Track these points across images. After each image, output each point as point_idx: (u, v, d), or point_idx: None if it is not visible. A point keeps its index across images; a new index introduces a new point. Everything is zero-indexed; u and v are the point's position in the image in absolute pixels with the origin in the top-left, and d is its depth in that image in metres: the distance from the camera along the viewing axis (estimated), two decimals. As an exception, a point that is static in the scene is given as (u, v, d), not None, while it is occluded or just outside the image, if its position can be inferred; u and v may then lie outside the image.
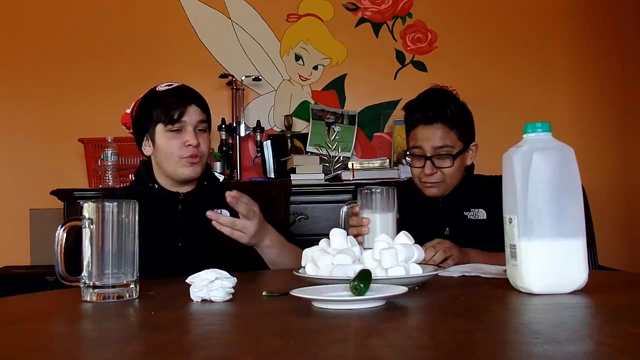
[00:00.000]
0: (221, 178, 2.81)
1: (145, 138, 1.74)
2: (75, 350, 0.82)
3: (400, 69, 3.29)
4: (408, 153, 1.85)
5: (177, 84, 1.76)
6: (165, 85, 1.75)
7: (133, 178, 1.89)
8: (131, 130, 1.82)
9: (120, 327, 0.97)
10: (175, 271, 1.38)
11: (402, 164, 2.83)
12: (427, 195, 1.83)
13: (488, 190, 1.80)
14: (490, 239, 1.68)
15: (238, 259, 1.46)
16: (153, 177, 1.75)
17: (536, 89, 3.24)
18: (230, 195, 1.47)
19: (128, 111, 1.80)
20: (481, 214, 1.81)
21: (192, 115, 1.69)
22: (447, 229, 1.80)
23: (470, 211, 1.82)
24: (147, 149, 1.74)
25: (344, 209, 1.56)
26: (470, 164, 1.88)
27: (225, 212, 1.72)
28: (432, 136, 1.78)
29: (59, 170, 3.18)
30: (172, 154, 1.68)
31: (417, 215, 1.76)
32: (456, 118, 1.80)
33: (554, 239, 1.07)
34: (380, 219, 1.44)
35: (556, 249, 1.07)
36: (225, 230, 1.49)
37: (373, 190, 1.48)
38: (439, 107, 1.80)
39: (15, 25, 3.31)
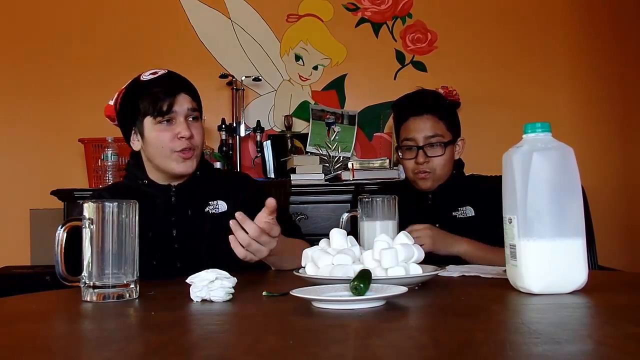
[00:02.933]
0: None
1: (133, 132, 1.62)
2: (75, 350, 0.82)
3: (400, 69, 3.29)
4: (400, 147, 1.91)
5: (162, 72, 1.62)
6: (150, 74, 1.61)
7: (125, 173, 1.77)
8: (116, 123, 1.69)
9: (120, 327, 0.97)
10: (172, 273, 1.36)
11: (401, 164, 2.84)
12: (420, 188, 1.87)
13: (475, 189, 1.88)
14: (479, 235, 1.71)
15: (235, 258, 1.41)
16: (144, 172, 1.64)
17: (536, 89, 3.24)
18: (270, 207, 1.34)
19: (111, 103, 1.68)
20: (469, 212, 1.85)
21: (183, 104, 1.58)
22: (437, 225, 1.83)
23: (458, 210, 1.86)
24: (135, 143, 1.63)
25: (345, 216, 1.56)
26: (459, 160, 1.94)
27: (222, 204, 1.64)
28: (423, 126, 1.85)
29: (59, 170, 3.19)
30: (164, 147, 1.57)
31: (407, 212, 1.78)
32: (444, 110, 1.90)
33: (554, 239, 1.07)
34: (380, 228, 1.44)
35: (556, 249, 1.07)
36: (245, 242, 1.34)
37: (373, 198, 1.48)
38: (428, 99, 1.92)
39: (15, 26, 3.31)
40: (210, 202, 1.65)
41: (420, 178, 1.86)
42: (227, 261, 1.30)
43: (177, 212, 1.63)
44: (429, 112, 1.85)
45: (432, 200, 1.89)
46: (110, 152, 2.81)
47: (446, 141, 1.85)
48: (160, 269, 1.54)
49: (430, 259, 1.29)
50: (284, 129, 3.18)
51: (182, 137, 1.56)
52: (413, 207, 1.83)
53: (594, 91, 3.24)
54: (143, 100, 1.57)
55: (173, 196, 1.63)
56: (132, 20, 3.30)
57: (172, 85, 1.59)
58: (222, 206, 1.65)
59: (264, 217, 1.35)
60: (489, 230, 1.61)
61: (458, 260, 1.67)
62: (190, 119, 1.60)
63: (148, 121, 1.58)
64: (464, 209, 1.85)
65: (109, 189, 1.78)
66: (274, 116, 3.29)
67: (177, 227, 1.62)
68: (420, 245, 1.54)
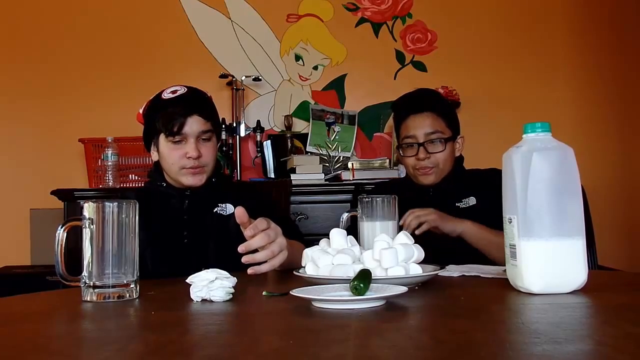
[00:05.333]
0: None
1: (152, 144, 1.76)
2: (75, 350, 0.82)
3: (400, 69, 3.29)
4: (400, 145, 1.92)
5: (182, 91, 1.71)
6: (170, 92, 1.72)
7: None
8: None
9: (120, 327, 0.97)
10: (181, 266, 1.38)
11: (401, 163, 2.84)
12: (422, 183, 1.89)
13: (476, 180, 1.90)
14: (483, 220, 1.73)
15: (239, 257, 1.43)
16: (163, 177, 1.77)
17: (536, 89, 3.24)
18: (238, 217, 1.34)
19: (140, 111, 1.82)
20: (471, 201, 1.86)
21: (194, 125, 1.68)
22: None
23: (461, 202, 1.87)
24: (154, 154, 1.77)
25: (344, 216, 1.56)
26: (460, 156, 1.95)
27: (230, 207, 1.75)
28: (422, 123, 1.86)
29: (59, 170, 3.19)
30: (174, 164, 1.70)
31: (408, 206, 1.78)
32: (443, 108, 1.91)
33: (553, 239, 1.07)
34: (380, 228, 1.44)
35: (556, 249, 1.07)
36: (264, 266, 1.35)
37: (373, 198, 1.48)
38: (427, 97, 1.93)
39: (16, 26, 3.31)
40: (219, 204, 1.76)
41: (421, 173, 1.86)
42: (232, 259, 1.34)
43: (189, 212, 1.74)
44: (428, 109, 1.87)
45: (434, 192, 1.89)
46: (110, 152, 2.81)
47: (446, 137, 1.86)
48: (173, 264, 1.63)
49: (430, 258, 1.29)
50: (284, 129, 3.18)
51: (190, 157, 1.67)
52: (413, 201, 1.83)
53: (594, 91, 3.24)
54: (159, 118, 1.69)
55: (187, 199, 1.75)
56: (132, 20, 3.30)
57: (186, 106, 1.69)
58: (229, 209, 1.75)
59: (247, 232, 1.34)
60: (492, 215, 1.62)
61: (458, 260, 1.67)
62: (202, 139, 1.70)
63: (162, 138, 1.70)
64: (467, 200, 1.86)
65: (134, 189, 1.97)
66: (274, 116, 3.29)
67: (188, 226, 1.73)
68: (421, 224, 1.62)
